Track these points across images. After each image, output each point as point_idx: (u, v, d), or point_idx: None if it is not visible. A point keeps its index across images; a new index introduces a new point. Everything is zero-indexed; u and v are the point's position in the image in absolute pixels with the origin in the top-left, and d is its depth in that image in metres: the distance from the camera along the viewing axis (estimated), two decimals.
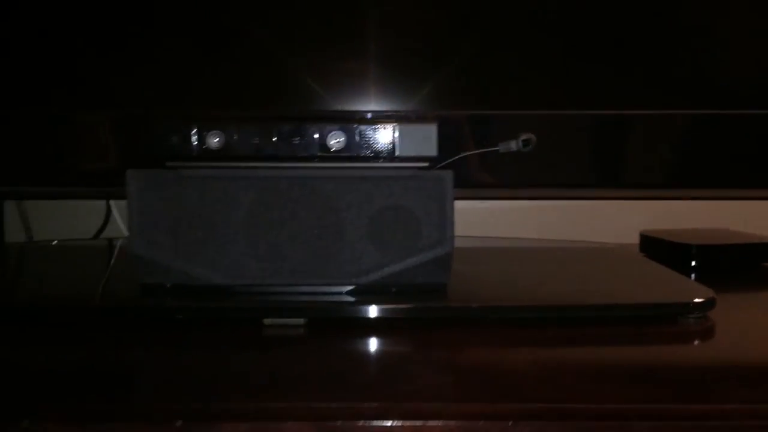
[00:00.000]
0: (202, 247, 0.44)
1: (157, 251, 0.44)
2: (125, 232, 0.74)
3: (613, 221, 0.74)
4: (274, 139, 0.44)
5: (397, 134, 0.43)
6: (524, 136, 0.49)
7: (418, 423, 0.28)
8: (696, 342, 0.39)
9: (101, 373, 0.36)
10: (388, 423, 0.28)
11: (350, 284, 0.44)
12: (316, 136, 0.44)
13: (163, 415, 0.29)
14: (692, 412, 0.29)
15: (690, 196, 0.62)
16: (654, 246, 0.60)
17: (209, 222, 0.44)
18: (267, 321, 0.42)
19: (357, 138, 0.44)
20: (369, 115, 0.45)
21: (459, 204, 0.44)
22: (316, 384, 0.33)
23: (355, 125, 0.44)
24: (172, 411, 0.29)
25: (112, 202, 0.74)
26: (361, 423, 0.28)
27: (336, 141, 0.44)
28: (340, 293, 0.44)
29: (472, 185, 0.52)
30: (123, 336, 0.41)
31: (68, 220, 0.75)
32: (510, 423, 0.28)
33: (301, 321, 0.42)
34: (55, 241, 0.69)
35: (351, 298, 0.43)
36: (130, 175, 0.44)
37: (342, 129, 0.43)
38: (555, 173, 0.52)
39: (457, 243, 0.44)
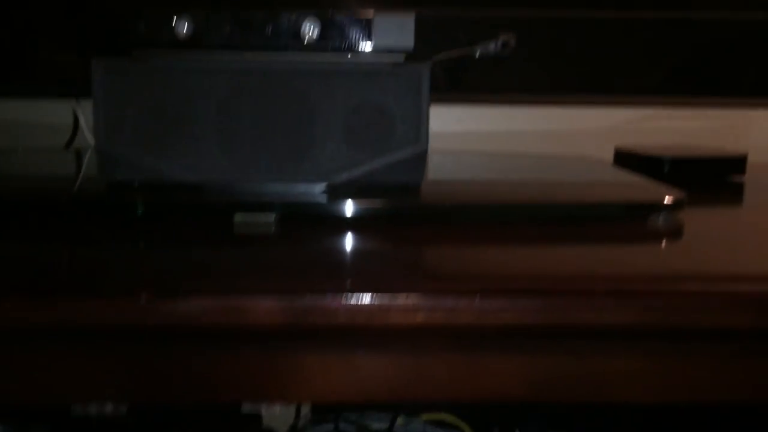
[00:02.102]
0: (170, 142, 0.43)
1: (124, 146, 0.43)
2: (92, 142, 0.72)
3: (588, 143, 0.73)
4: (246, 27, 0.42)
5: (373, 25, 0.42)
6: (503, 38, 0.48)
7: (385, 298, 0.28)
8: (664, 239, 0.40)
9: (67, 261, 0.35)
10: (355, 299, 0.28)
11: (322, 182, 0.43)
12: (290, 25, 0.42)
13: (128, 292, 0.29)
14: (656, 292, 0.30)
15: (662, 102, 0.62)
16: (628, 160, 0.60)
17: (178, 115, 0.42)
18: (237, 217, 0.42)
19: (332, 28, 0.42)
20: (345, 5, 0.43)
21: (433, 128, 0.43)
22: (284, 270, 0.33)
23: (330, 13, 0.42)
24: (136, 289, 0.29)
25: (79, 112, 0.72)
26: (328, 299, 0.28)
27: (310, 30, 0.42)
28: (312, 191, 0.43)
29: (448, 89, 0.51)
30: (89, 230, 0.40)
31: (35, 134, 0.73)
32: (477, 297, 0.28)
33: (271, 217, 0.42)
34: (21, 148, 0.67)
35: (323, 195, 0.43)
36: (96, 64, 0.42)
37: (316, 17, 0.42)
38: (532, 78, 0.52)
39: (431, 153, 0.43)
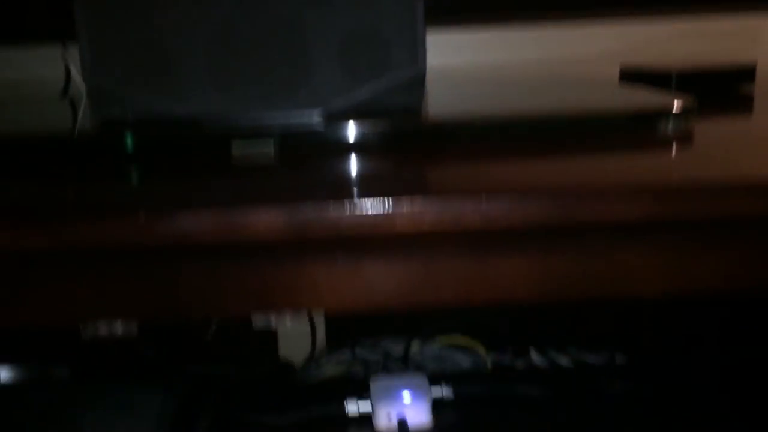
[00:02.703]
0: (161, 77, 0.41)
1: (114, 84, 0.42)
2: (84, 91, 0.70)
3: (591, 68, 0.72)
4: None
5: None
6: None
7: (390, 205, 0.27)
8: (673, 145, 0.39)
9: (64, 193, 0.35)
10: (358, 208, 0.27)
11: (320, 107, 0.42)
12: None
13: (127, 212, 0.28)
14: (667, 184, 0.29)
15: (667, 11, 0.60)
16: (635, 77, 0.58)
17: (167, 49, 0.41)
18: (235, 146, 0.41)
19: None
20: None
21: (431, 61, 0.42)
22: (285, 189, 0.32)
23: None
24: (135, 209, 0.28)
25: (71, 63, 0.71)
26: (330, 209, 0.27)
27: None
28: (310, 117, 0.42)
29: (444, 13, 0.50)
30: (84, 168, 0.39)
31: (27, 88, 0.72)
32: (483, 198, 0.27)
33: (270, 147, 0.41)
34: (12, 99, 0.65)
35: (320, 121, 0.41)
36: (79, 2, 0.41)
37: None
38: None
39: (429, 80, 0.42)
